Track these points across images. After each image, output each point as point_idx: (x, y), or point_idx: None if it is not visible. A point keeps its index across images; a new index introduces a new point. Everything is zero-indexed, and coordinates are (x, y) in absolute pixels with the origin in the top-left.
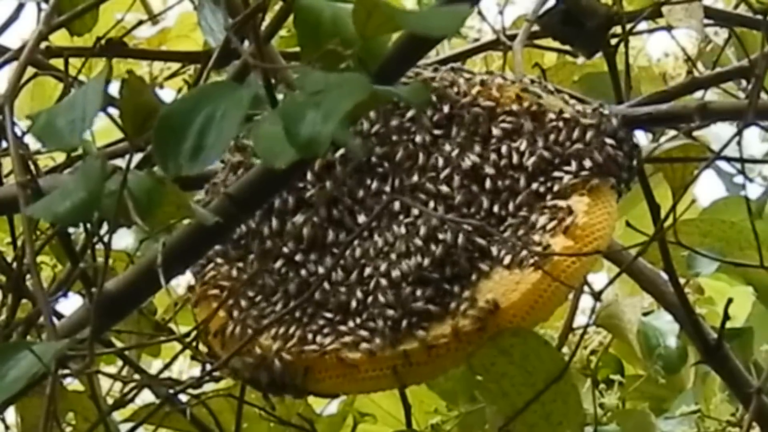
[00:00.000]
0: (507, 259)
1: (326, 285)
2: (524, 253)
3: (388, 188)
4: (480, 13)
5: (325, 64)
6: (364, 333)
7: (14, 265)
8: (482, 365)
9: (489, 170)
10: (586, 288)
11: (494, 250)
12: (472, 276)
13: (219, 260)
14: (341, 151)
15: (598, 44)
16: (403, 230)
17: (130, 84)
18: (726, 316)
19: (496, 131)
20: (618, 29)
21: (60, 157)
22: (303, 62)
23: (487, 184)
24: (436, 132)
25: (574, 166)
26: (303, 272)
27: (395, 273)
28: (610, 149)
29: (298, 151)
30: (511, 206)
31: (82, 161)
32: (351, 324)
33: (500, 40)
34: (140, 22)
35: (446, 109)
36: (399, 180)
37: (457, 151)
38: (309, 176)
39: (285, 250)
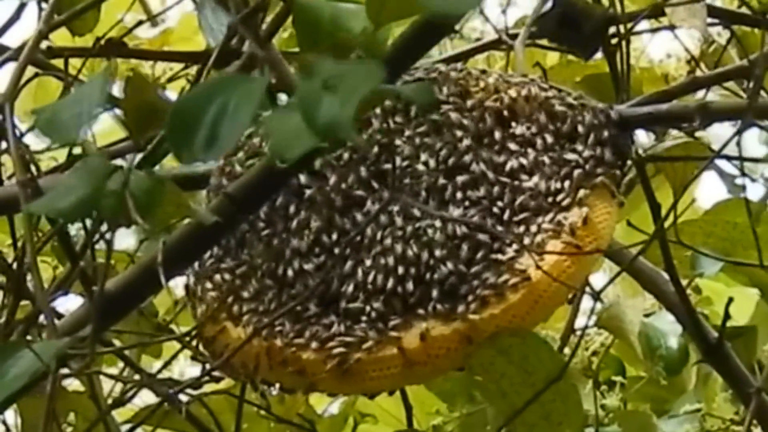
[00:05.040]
0: (507, 260)
1: (327, 286)
2: (524, 253)
3: (387, 187)
4: (482, 12)
5: (334, 56)
6: (365, 334)
7: (15, 265)
8: (481, 365)
9: (490, 170)
10: (587, 289)
11: (496, 249)
12: (472, 275)
13: (218, 259)
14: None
15: (595, 47)
16: (403, 229)
17: (133, 82)
18: (727, 315)
19: (497, 131)
20: (619, 29)
21: (61, 158)
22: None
23: (489, 184)
24: (437, 132)
25: (574, 166)
26: (305, 271)
27: (397, 273)
28: (609, 148)
29: (318, 136)
30: (512, 206)
31: (82, 160)
32: (352, 325)
33: (502, 40)
34: (140, 22)
35: (450, 108)
36: (399, 179)
37: (460, 150)
38: (308, 176)
39: (286, 250)
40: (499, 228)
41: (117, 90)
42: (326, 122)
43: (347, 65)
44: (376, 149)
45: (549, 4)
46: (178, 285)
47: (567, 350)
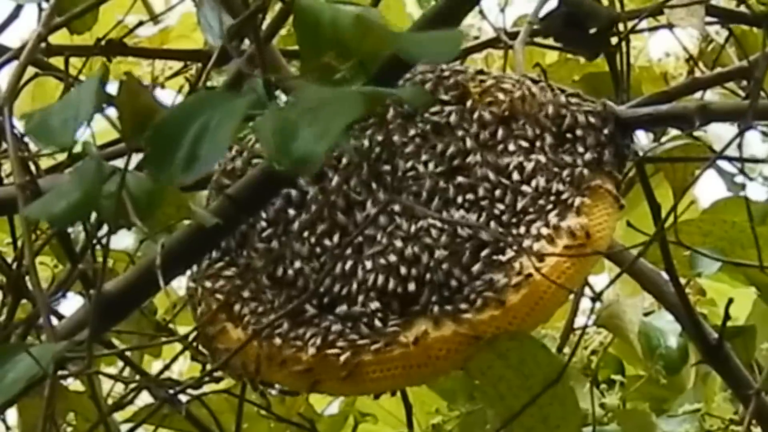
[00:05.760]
0: (507, 261)
1: (328, 287)
2: (524, 255)
3: (385, 189)
4: (481, 11)
5: (321, 74)
6: (365, 335)
7: (14, 265)
8: (479, 368)
9: (491, 171)
10: (587, 290)
11: (496, 250)
12: (473, 276)
13: (219, 261)
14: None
15: (601, 47)
16: (404, 230)
17: (127, 85)
18: (727, 316)
19: (497, 131)
20: (619, 28)
21: (62, 157)
22: (302, 69)
23: (490, 185)
24: (438, 133)
25: (574, 167)
26: (305, 271)
27: (398, 274)
28: (608, 150)
29: (289, 168)
30: (513, 208)
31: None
32: (353, 326)
33: (500, 38)
34: (141, 22)
35: (450, 109)
36: (400, 181)
37: (461, 151)
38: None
39: (287, 251)
40: (500, 230)
41: (115, 89)
42: (299, 156)
43: (329, 93)
44: (377, 150)
45: (553, 3)
46: (180, 285)
47: (566, 349)
